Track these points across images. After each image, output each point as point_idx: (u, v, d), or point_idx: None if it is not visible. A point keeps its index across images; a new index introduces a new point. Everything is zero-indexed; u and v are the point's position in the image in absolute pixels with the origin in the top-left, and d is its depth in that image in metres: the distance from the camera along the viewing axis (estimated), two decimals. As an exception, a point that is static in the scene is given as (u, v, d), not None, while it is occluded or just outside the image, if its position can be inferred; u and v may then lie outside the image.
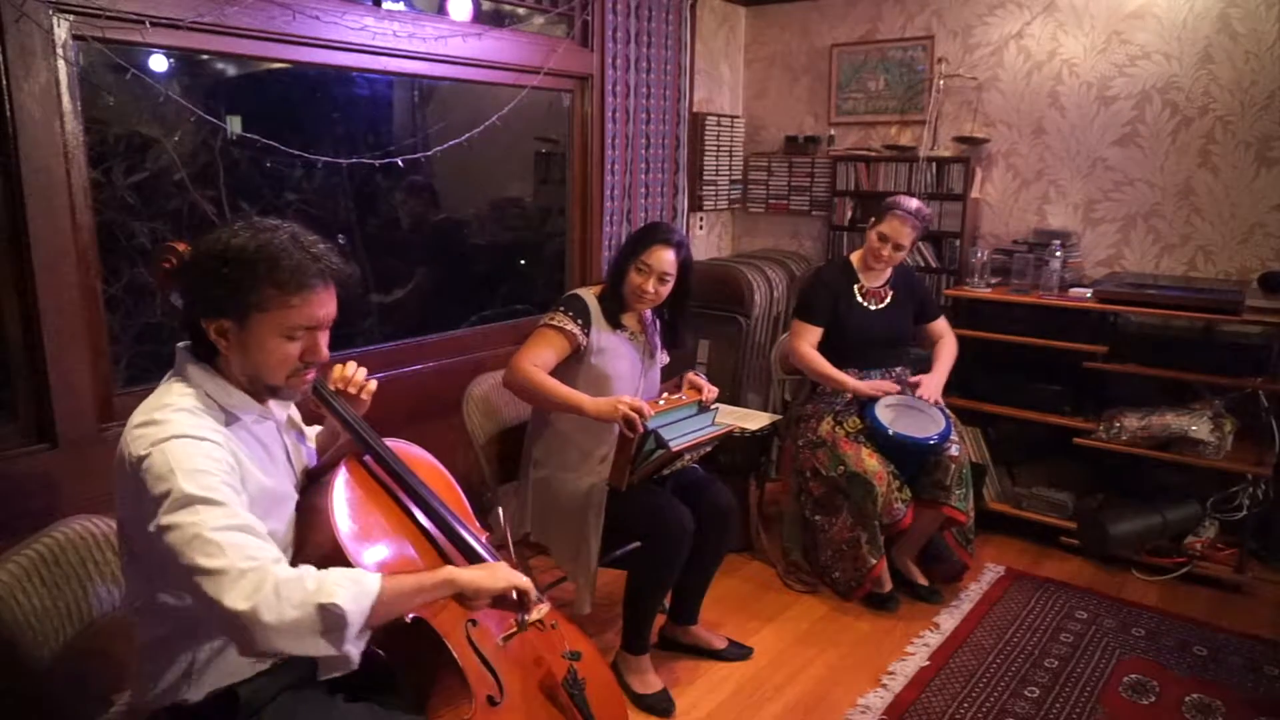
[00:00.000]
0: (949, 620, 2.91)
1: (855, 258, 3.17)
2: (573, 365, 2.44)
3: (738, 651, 2.71)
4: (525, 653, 1.65)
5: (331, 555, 1.40)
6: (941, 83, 3.90)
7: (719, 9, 4.35)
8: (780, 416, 3.39)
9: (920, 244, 3.91)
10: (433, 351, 3.15)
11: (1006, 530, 3.53)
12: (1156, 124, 3.53)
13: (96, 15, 2.08)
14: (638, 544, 2.03)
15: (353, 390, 1.64)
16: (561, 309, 2.45)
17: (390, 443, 1.65)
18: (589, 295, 2.50)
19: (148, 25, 2.16)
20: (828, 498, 3.02)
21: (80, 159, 2.14)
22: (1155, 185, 3.56)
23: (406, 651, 1.50)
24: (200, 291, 1.36)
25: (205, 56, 2.60)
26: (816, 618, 2.95)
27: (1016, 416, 3.51)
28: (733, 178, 4.50)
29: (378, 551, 1.46)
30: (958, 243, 3.87)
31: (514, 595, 1.42)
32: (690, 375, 2.54)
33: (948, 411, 3.03)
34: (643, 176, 3.83)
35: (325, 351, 1.43)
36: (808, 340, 3.09)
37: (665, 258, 2.43)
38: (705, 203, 4.33)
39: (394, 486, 1.60)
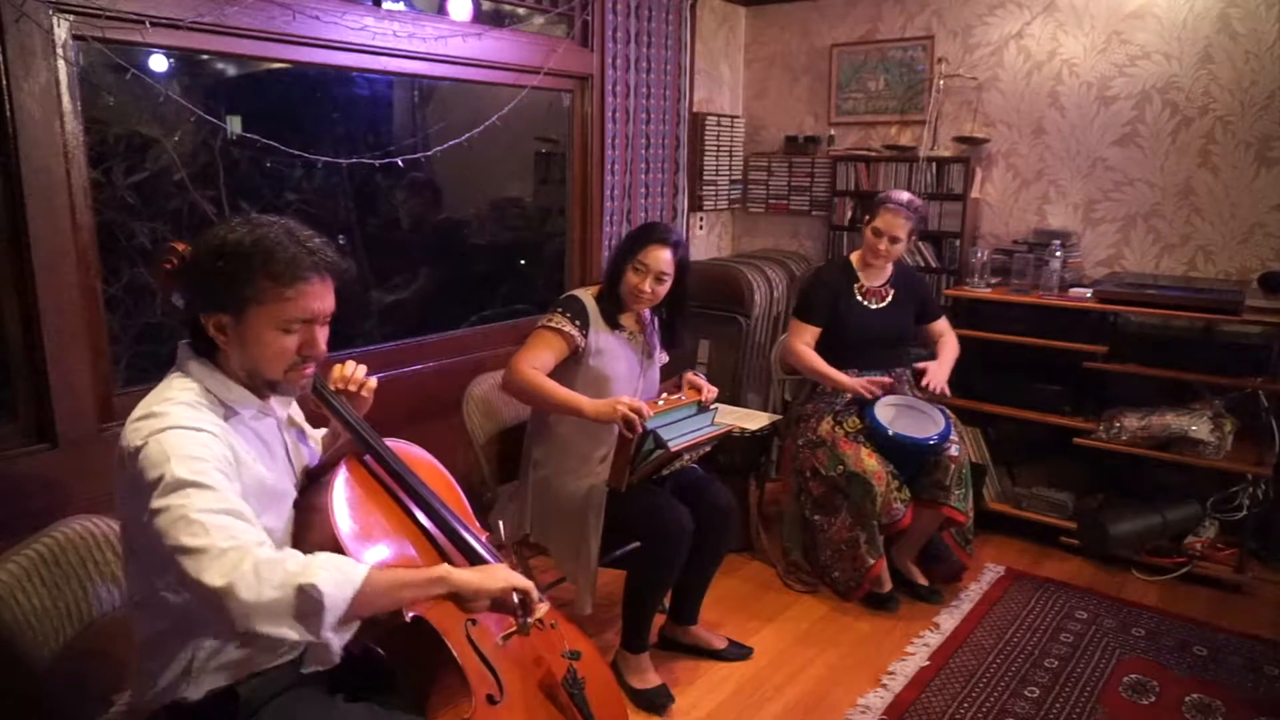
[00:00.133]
0: (949, 620, 2.91)
1: (855, 257, 3.18)
2: (571, 367, 2.44)
3: (738, 651, 2.71)
4: (525, 652, 1.65)
5: (332, 552, 1.40)
6: (941, 83, 3.90)
7: (719, 9, 4.35)
8: (780, 416, 3.39)
9: (920, 244, 3.92)
10: (433, 351, 3.15)
11: (1006, 530, 3.53)
12: (1156, 124, 3.53)
13: (96, 15, 2.08)
14: (637, 544, 2.03)
15: (353, 389, 1.64)
16: (559, 310, 2.45)
17: (390, 443, 1.65)
18: (587, 296, 2.50)
19: (148, 25, 2.16)
20: (827, 497, 3.02)
21: (80, 159, 2.14)
22: (1155, 185, 3.56)
23: (406, 650, 1.50)
24: (198, 287, 1.38)
25: (205, 56, 2.60)
26: (816, 618, 2.95)
27: (1016, 416, 3.51)
28: (733, 178, 4.50)
29: (378, 551, 1.46)
30: (958, 243, 3.87)
31: (514, 598, 1.40)
32: (689, 375, 2.54)
33: (948, 412, 3.03)
34: (643, 176, 3.83)
35: (323, 346, 1.44)
36: (804, 339, 3.09)
37: (662, 257, 2.42)
38: (705, 203, 4.33)
39: (394, 486, 1.60)
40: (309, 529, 1.48)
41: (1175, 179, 3.52)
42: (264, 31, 2.44)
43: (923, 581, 3.09)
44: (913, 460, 2.95)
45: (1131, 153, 3.60)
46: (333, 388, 1.63)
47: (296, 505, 1.53)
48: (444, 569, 1.36)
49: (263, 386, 1.44)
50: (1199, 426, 3.11)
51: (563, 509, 2.43)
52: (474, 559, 1.53)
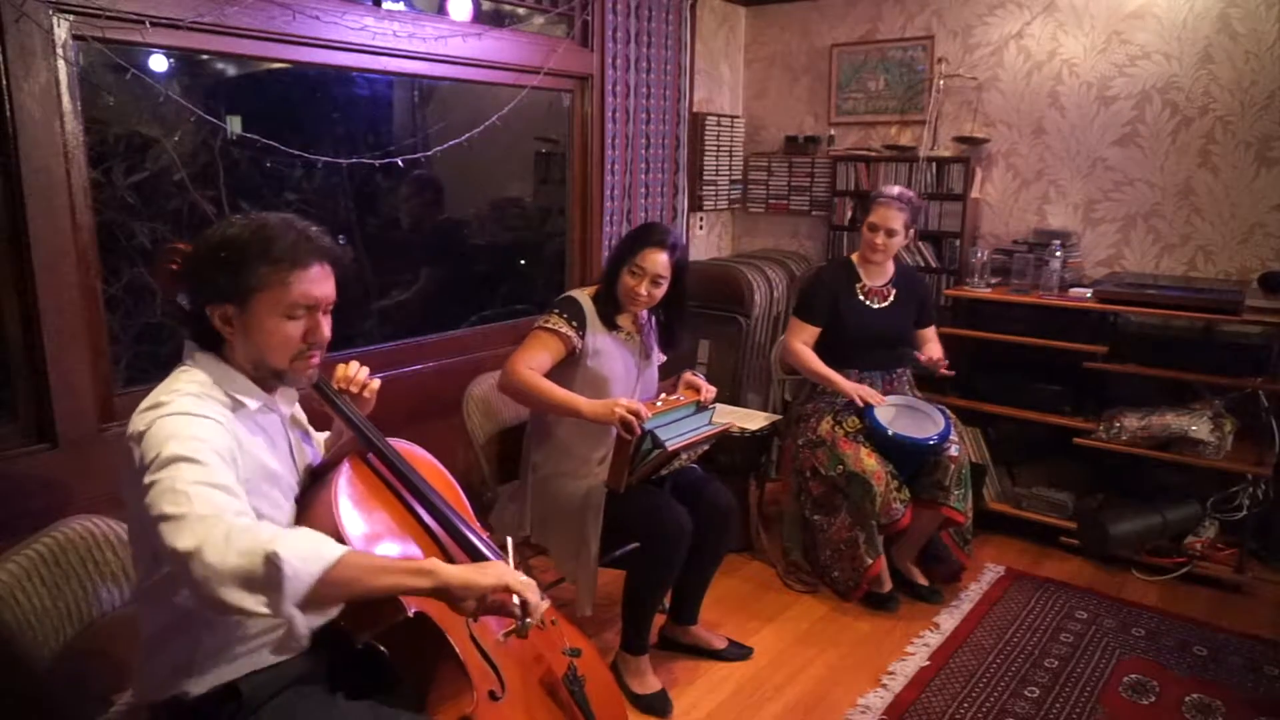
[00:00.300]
0: (949, 620, 2.91)
1: (856, 257, 3.18)
2: (569, 368, 2.43)
3: (738, 651, 2.71)
4: (526, 649, 1.65)
5: None
6: (941, 83, 3.90)
7: (719, 9, 4.35)
8: (780, 416, 3.39)
9: (920, 244, 3.92)
10: (433, 351, 3.15)
11: (1006, 530, 3.53)
12: (1156, 124, 3.53)
13: (96, 15, 2.08)
14: (636, 545, 2.04)
15: (355, 390, 1.65)
16: (556, 311, 2.44)
17: (392, 442, 1.66)
18: (584, 297, 2.49)
19: (148, 25, 2.16)
20: (827, 497, 3.02)
21: (80, 159, 2.14)
22: (1155, 185, 3.56)
23: (408, 647, 1.50)
24: (202, 280, 1.40)
25: (205, 56, 2.60)
26: (816, 618, 2.95)
27: (1016, 416, 3.51)
28: (733, 178, 4.50)
29: (381, 548, 1.47)
30: (958, 243, 3.87)
31: (515, 600, 1.36)
32: (688, 375, 2.54)
33: (947, 411, 3.03)
34: (643, 176, 3.83)
35: (327, 333, 1.46)
36: (803, 338, 3.09)
37: (659, 260, 2.41)
38: (705, 203, 4.33)
39: (397, 485, 1.60)
40: (313, 525, 1.48)
41: (1175, 179, 3.52)
42: (264, 31, 2.44)
43: (923, 581, 3.09)
44: (912, 460, 2.95)
45: (1131, 153, 3.60)
46: (336, 387, 1.64)
47: (299, 502, 1.53)
48: (431, 561, 1.32)
49: (269, 377, 1.45)
50: (1199, 426, 3.11)
51: (562, 510, 2.43)
52: (477, 558, 1.53)
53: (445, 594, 1.29)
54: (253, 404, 1.43)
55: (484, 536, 1.60)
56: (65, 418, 2.14)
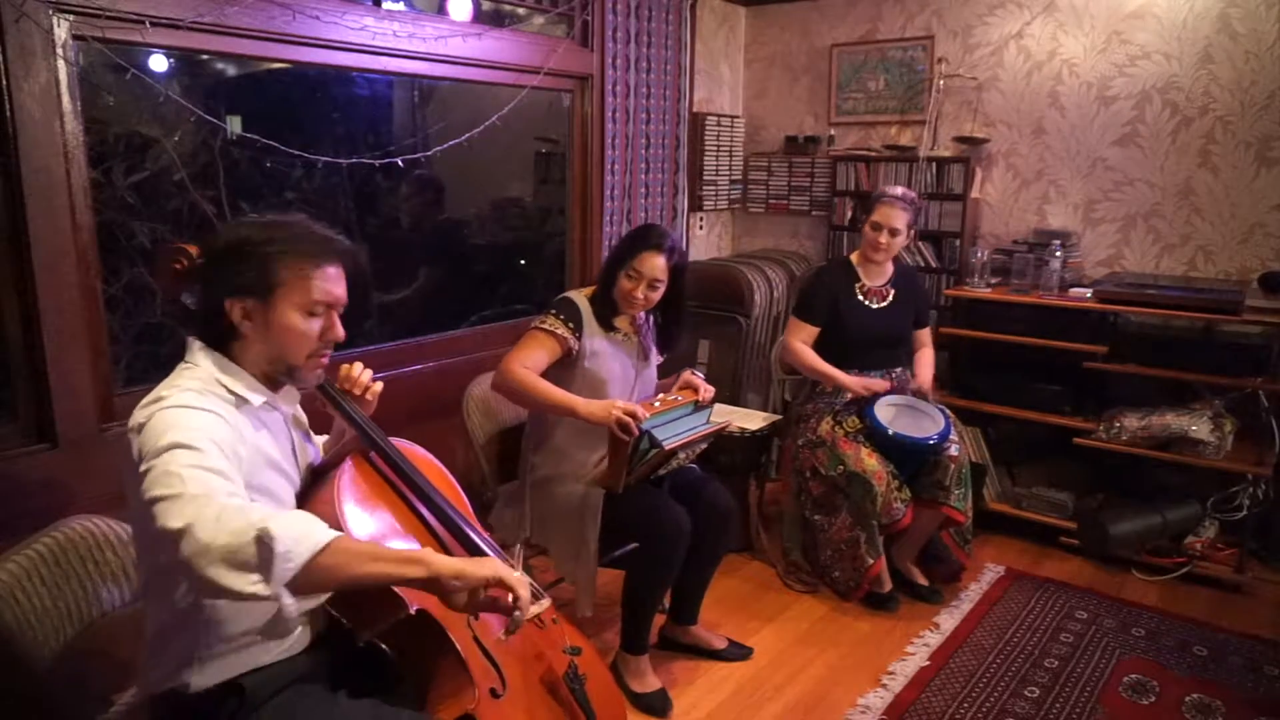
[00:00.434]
0: (949, 620, 2.91)
1: (856, 257, 3.18)
2: (566, 370, 2.43)
3: (738, 652, 2.71)
4: (527, 647, 1.66)
5: None
6: (941, 83, 3.90)
7: (719, 9, 4.35)
8: (780, 416, 3.39)
9: (920, 244, 3.92)
10: (433, 351, 3.15)
11: (1006, 530, 3.53)
12: (1156, 124, 3.53)
13: (96, 15, 2.08)
14: (635, 545, 2.04)
15: (357, 391, 1.65)
16: (553, 312, 2.43)
17: (393, 441, 1.66)
18: (581, 299, 2.49)
19: (148, 25, 2.17)
20: (827, 497, 3.02)
21: (80, 159, 2.14)
22: (1155, 185, 3.56)
23: (409, 644, 1.50)
24: (224, 273, 1.40)
25: (205, 56, 2.60)
26: (816, 618, 2.95)
27: (1016, 416, 3.51)
28: (733, 178, 4.50)
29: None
30: (958, 243, 3.87)
31: (507, 598, 1.36)
32: (686, 375, 2.53)
33: (947, 411, 3.03)
34: (643, 176, 3.84)
35: (341, 330, 1.48)
36: (801, 338, 3.10)
37: (656, 264, 2.40)
38: (705, 203, 4.33)
39: (399, 483, 1.61)
40: None
41: (1175, 179, 3.52)
42: (264, 31, 2.44)
43: (923, 581, 3.09)
44: (913, 460, 2.95)
45: (1131, 153, 3.60)
46: (340, 388, 1.64)
47: (301, 501, 1.53)
48: (425, 551, 1.33)
49: (281, 374, 1.46)
50: (1199, 426, 3.11)
51: (561, 511, 2.43)
52: (478, 555, 1.53)
53: (437, 584, 1.28)
54: (256, 400, 1.44)
55: (486, 536, 1.60)
56: (65, 418, 2.14)
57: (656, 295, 2.44)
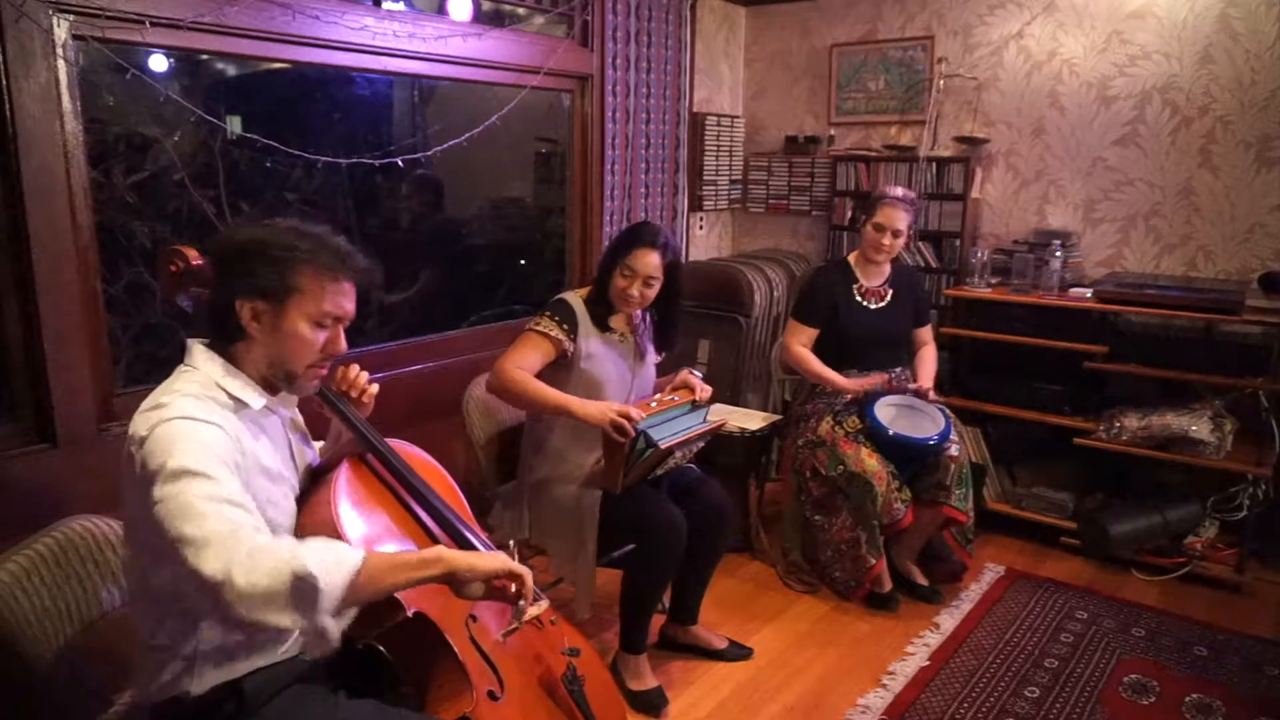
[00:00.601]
0: (949, 620, 2.91)
1: (854, 258, 3.18)
2: (562, 372, 2.42)
3: (738, 652, 2.71)
4: (525, 649, 1.66)
5: None
6: (941, 83, 3.90)
7: (719, 9, 4.35)
8: (780, 416, 3.38)
9: (920, 244, 3.92)
10: (433, 351, 3.15)
11: (1006, 530, 3.53)
12: (1156, 124, 3.53)
13: (96, 15, 2.08)
14: (632, 546, 2.03)
15: (354, 394, 1.65)
16: (548, 314, 2.42)
17: (391, 443, 1.66)
18: (576, 300, 2.48)
19: (148, 25, 2.17)
20: (827, 498, 3.02)
21: (80, 159, 2.14)
22: (1155, 185, 3.56)
23: (408, 647, 1.50)
24: (239, 273, 1.39)
25: (205, 56, 2.60)
26: (816, 618, 2.95)
27: (1016, 416, 3.51)
28: (733, 178, 4.50)
29: (381, 549, 1.46)
30: (958, 243, 3.87)
31: (511, 589, 1.40)
32: (684, 374, 2.53)
33: (947, 411, 3.03)
34: (643, 176, 3.84)
35: (344, 345, 1.48)
36: (800, 340, 3.10)
37: (650, 261, 2.39)
38: (705, 203, 4.33)
39: (396, 485, 1.61)
40: (312, 526, 1.48)
41: (1175, 179, 3.52)
42: (264, 31, 2.44)
43: (923, 581, 3.09)
44: (913, 460, 2.95)
45: (1131, 153, 3.60)
46: (336, 390, 1.64)
47: (299, 502, 1.53)
48: (439, 550, 1.35)
49: (280, 380, 1.46)
50: (1199, 426, 3.11)
51: (559, 513, 2.43)
52: None
53: (452, 578, 1.34)
54: (255, 404, 1.43)
55: (482, 536, 1.60)
56: (65, 418, 2.14)
57: (652, 292, 2.44)
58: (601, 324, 2.47)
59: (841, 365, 3.07)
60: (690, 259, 4.32)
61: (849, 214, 4.17)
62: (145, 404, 1.34)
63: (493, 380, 2.38)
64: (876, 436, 2.92)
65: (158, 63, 2.45)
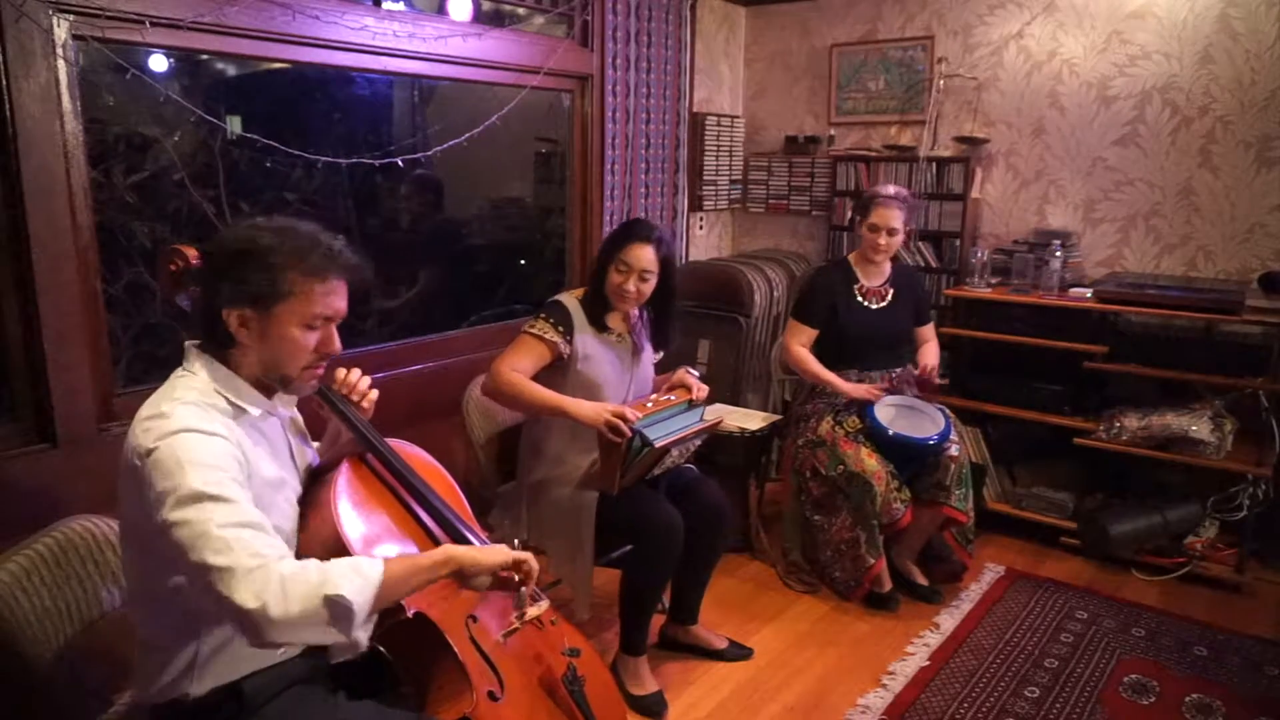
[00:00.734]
0: (949, 620, 2.91)
1: (854, 258, 3.18)
2: (559, 374, 2.42)
3: (738, 652, 2.70)
4: (525, 649, 1.65)
5: (334, 551, 1.41)
6: (941, 83, 3.90)
7: (719, 9, 4.35)
8: (779, 417, 3.38)
9: (920, 244, 3.92)
10: (433, 351, 3.15)
11: (1006, 530, 3.53)
12: (1156, 124, 3.53)
13: (96, 15, 2.08)
14: (630, 547, 2.04)
15: (356, 398, 1.65)
16: (543, 317, 2.42)
17: (391, 443, 1.66)
18: (571, 301, 2.48)
19: (148, 25, 2.17)
20: (827, 498, 3.02)
21: (80, 159, 2.14)
22: (1155, 185, 3.56)
23: (408, 647, 1.50)
24: (225, 280, 1.38)
25: (205, 56, 2.60)
26: (816, 618, 2.95)
27: (1016, 416, 3.51)
28: (733, 178, 4.50)
29: (380, 549, 1.47)
30: (958, 243, 3.87)
31: (515, 578, 1.43)
32: (680, 373, 2.53)
33: (947, 411, 3.03)
34: (643, 176, 3.84)
35: (338, 344, 1.47)
36: (800, 340, 3.10)
37: (644, 255, 2.39)
38: (705, 203, 4.33)
39: (396, 485, 1.61)
40: (312, 527, 1.49)
41: (1175, 179, 3.52)
42: (264, 31, 2.44)
43: (923, 581, 3.09)
44: (913, 460, 2.95)
45: (1131, 153, 3.60)
46: (340, 392, 1.64)
47: (300, 503, 1.53)
48: (448, 548, 1.40)
49: (276, 383, 1.46)
50: (1199, 426, 3.11)
51: (557, 514, 2.43)
52: None
53: (461, 574, 1.38)
54: (254, 411, 1.43)
55: (483, 536, 1.60)
56: (65, 418, 2.14)
57: (648, 287, 2.43)
58: (598, 323, 2.47)
59: (842, 365, 3.07)
60: (690, 259, 4.32)
61: (849, 214, 4.17)
62: (145, 411, 1.33)
63: (488, 383, 2.38)
64: (876, 436, 2.92)
65: (158, 63, 2.45)
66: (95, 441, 2.19)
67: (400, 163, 2.89)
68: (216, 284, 1.39)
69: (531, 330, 2.40)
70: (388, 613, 1.40)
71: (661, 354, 2.67)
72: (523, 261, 3.97)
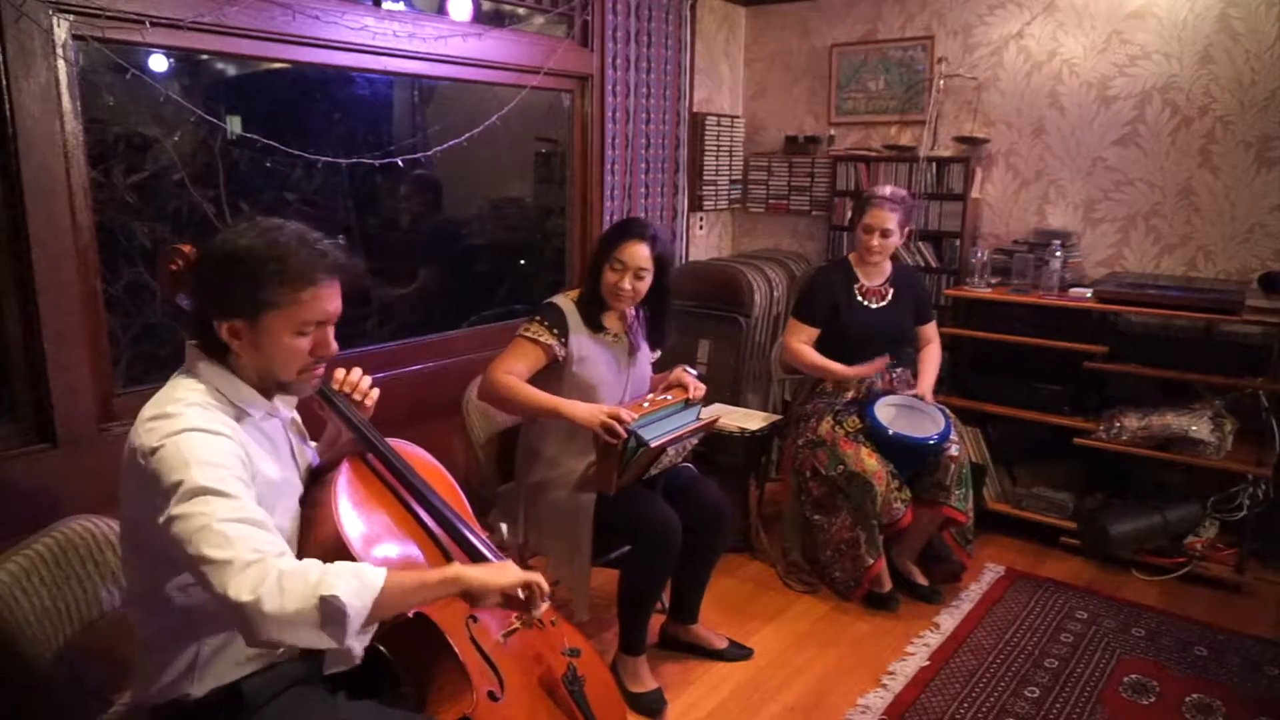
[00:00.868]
0: (949, 620, 2.91)
1: (854, 257, 3.18)
2: (554, 376, 2.41)
3: (738, 652, 2.70)
4: (525, 649, 1.65)
5: (335, 551, 1.40)
6: (941, 83, 3.90)
7: (719, 9, 4.35)
8: (780, 416, 3.38)
9: (920, 244, 3.92)
10: (433, 351, 3.15)
11: (1006, 530, 3.53)
12: (1156, 124, 3.53)
13: (96, 15, 2.08)
14: (628, 547, 2.03)
15: (357, 397, 1.65)
16: (538, 319, 2.41)
17: (391, 442, 1.66)
18: (566, 302, 2.47)
19: (148, 25, 2.17)
20: (827, 497, 3.02)
21: (80, 159, 2.14)
22: (1155, 185, 3.56)
23: (408, 647, 1.50)
24: (211, 292, 1.38)
25: (205, 56, 2.60)
26: (816, 618, 2.95)
27: (1016, 416, 3.51)
28: (733, 178, 4.50)
29: (381, 549, 1.47)
30: (958, 243, 3.87)
31: (520, 595, 1.41)
32: (678, 372, 2.52)
33: (947, 411, 3.03)
34: (643, 176, 3.84)
35: (334, 345, 1.46)
36: (800, 339, 3.10)
37: (639, 253, 2.38)
38: (705, 203, 4.33)
39: (396, 485, 1.60)
40: (313, 527, 1.49)
41: (1175, 179, 3.52)
42: (264, 31, 2.44)
43: (923, 581, 3.09)
44: (913, 460, 2.94)
45: (1131, 153, 3.60)
46: (340, 391, 1.64)
47: (301, 503, 1.53)
48: (456, 568, 1.37)
49: (274, 388, 1.46)
50: (1199, 426, 3.11)
51: (555, 516, 2.43)
52: (476, 558, 1.53)
53: (468, 595, 1.37)
54: (256, 412, 1.43)
55: (483, 536, 1.60)
56: (65, 418, 2.14)
57: (643, 285, 2.42)
58: (594, 324, 2.46)
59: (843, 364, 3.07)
60: (690, 259, 4.32)
61: (849, 214, 4.16)
62: (148, 411, 1.33)
63: (483, 387, 2.37)
64: (876, 436, 2.92)
65: (158, 63, 2.45)
66: (95, 441, 2.19)
67: (400, 163, 2.89)
68: (203, 295, 1.39)
69: (526, 333, 2.40)
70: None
71: (659, 353, 2.67)
72: (523, 261, 3.97)
